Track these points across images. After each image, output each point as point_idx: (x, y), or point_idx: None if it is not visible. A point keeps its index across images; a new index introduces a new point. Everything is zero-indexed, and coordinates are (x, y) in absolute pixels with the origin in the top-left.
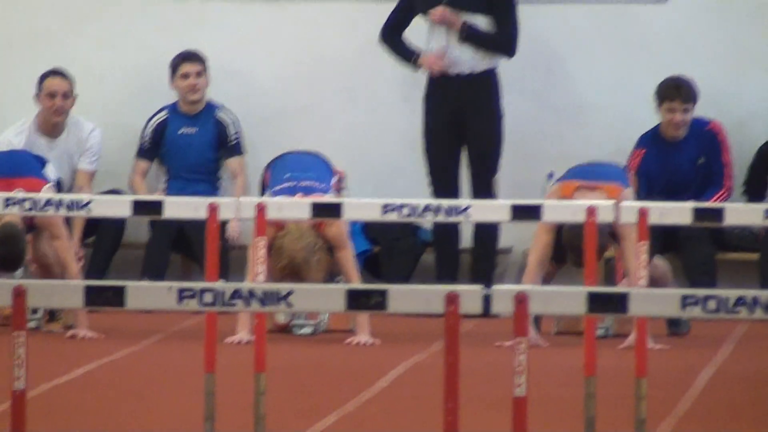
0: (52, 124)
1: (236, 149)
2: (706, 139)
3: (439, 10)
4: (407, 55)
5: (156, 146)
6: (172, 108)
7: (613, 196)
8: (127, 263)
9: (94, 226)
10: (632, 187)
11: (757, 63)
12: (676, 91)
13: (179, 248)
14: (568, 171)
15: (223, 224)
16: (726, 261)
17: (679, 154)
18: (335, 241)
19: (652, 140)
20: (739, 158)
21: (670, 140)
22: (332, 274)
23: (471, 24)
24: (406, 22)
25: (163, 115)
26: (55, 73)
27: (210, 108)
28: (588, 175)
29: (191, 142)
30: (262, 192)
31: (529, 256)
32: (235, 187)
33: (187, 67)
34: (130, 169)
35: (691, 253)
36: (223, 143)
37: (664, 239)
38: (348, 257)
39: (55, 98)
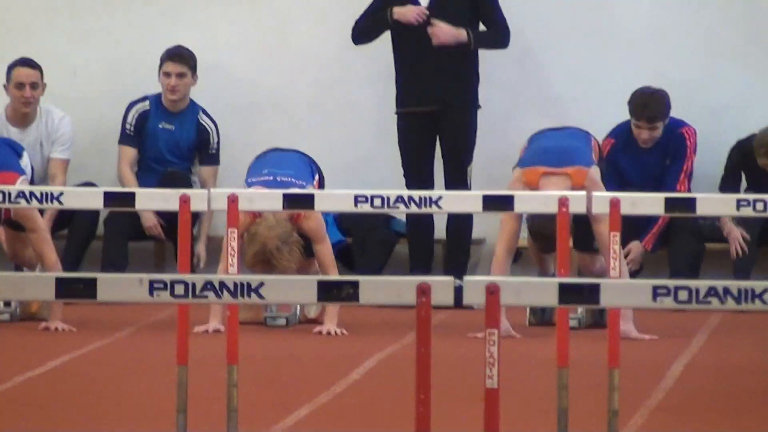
0: (21, 114)
1: (215, 159)
2: (675, 142)
3: (440, 34)
4: (380, 23)
5: (139, 135)
6: (156, 100)
7: (579, 180)
8: (100, 255)
9: (68, 219)
10: (597, 166)
11: (731, 56)
12: (641, 112)
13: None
14: (531, 152)
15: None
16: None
17: (648, 156)
18: (312, 234)
19: (623, 134)
20: (712, 150)
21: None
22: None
23: (473, 31)
24: None
25: (146, 105)
26: (23, 62)
27: (193, 109)
28: (551, 159)
29: (169, 139)
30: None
31: (497, 246)
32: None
33: (170, 67)
34: (117, 157)
35: (678, 245)
36: (203, 149)
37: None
38: (326, 251)
39: (24, 88)
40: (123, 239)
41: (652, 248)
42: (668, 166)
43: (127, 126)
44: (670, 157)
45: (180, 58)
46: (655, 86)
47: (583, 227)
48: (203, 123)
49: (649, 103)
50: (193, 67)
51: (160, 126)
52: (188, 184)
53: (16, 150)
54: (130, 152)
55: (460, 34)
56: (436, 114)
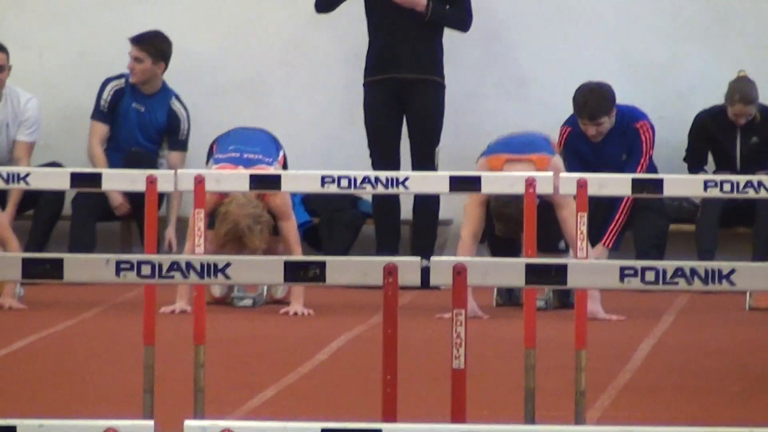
0: None
1: (183, 145)
2: (630, 136)
3: None
4: None
5: (112, 112)
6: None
7: (542, 166)
8: (66, 235)
9: (34, 199)
10: (559, 156)
11: (697, 36)
12: (582, 110)
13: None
14: (492, 144)
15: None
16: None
17: (603, 145)
18: (278, 211)
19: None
20: (679, 130)
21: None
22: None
23: (434, 3)
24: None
25: (121, 82)
26: None
27: (165, 93)
28: (515, 147)
29: (139, 120)
30: (207, 164)
31: (462, 231)
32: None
33: (131, 49)
34: (88, 132)
35: (643, 226)
36: (172, 134)
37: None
38: (291, 228)
39: None
40: (90, 220)
41: (614, 246)
42: (625, 162)
43: (102, 102)
44: (626, 150)
45: (138, 42)
46: (615, 68)
47: (545, 227)
48: (174, 109)
49: (588, 100)
50: (153, 53)
51: (133, 106)
52: (153, 165)
53: None
54: (102, 129)
55: (420, 1)
56: (402, 88)
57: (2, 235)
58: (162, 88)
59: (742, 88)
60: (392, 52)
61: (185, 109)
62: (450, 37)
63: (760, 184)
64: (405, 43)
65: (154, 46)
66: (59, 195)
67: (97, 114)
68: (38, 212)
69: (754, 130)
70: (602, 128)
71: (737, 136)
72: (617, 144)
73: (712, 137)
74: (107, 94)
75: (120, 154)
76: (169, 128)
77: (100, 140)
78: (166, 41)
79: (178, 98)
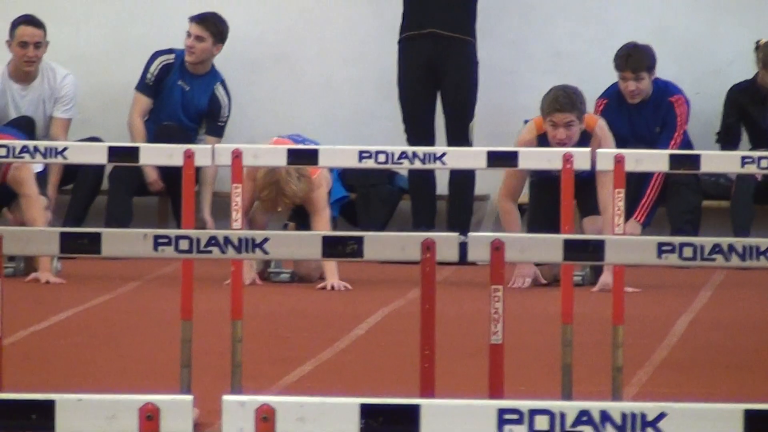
0: (24, 72)
1: (220, 131)
2: (664, 110)
3: None
4: None
5: (158, 86)
6: (181, 56)
7: (591, 123)
8: (104, 211)
9: (73, 174)
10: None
11: (733, 12)
12: (625, 62)
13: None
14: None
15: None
16: (702, 209)
17: (638, 117)
18: (314, 204)
19: (615, 93)
20: (716, 106)
21: (630, 105)
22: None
23: None
24: None
25: (171, 57)
26: (27, 21)
27: (213, 76)
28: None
29: (182, 99)
30: None
31: (499, 198)
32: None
33: (191, 27)
34: (132, 103)
35: (677, 201)
36: (211, 119)
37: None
38: (322, 224)
39: (27, 48)
40: (127, 194)
41: (645, 221)
42: (658, 135)
43: (148, 75)
44: (660, 123)
45: (202, 21)
46: (652, 44)
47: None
48: (218, 94)
49: (632, 53)
50: (215, 34)
51: (179, 83)
52: (187, 141)
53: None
54: (145, 101)
55: None
56: (436, 70)
57: (31, 215)
58: (211, 71)
59: None
60: (423, 11)
61: (228, 96)
62: (485, 11)
63: None
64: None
65: (216, 26)
66: (98, 170)
67: (142, 86)
68: (77, 187)
69: None
70: (642, 85)
71: None
72: (651, 117)
73: (745, 112)
74: (155, 68)
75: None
76: (210, 113)
77: (141, 113)
78: (225, 23)
79: (223, 84)
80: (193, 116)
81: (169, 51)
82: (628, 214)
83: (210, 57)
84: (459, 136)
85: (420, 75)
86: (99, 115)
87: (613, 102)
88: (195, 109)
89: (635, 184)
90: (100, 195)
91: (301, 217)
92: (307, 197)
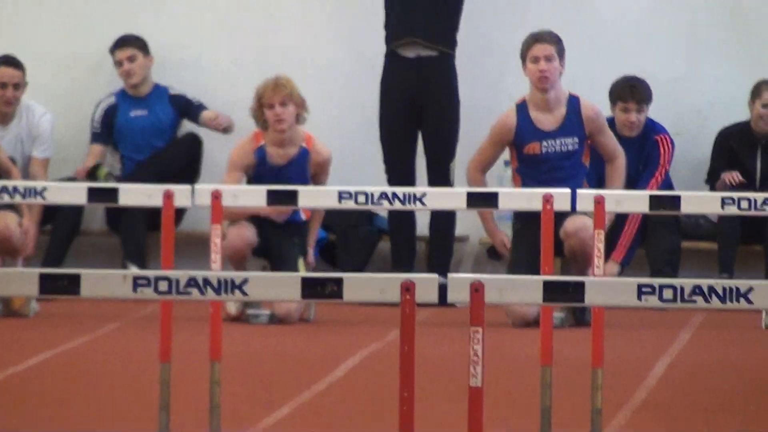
0: (2, 113)
1: (203, 105)
2: (648, 148)
3: None
4: None
5: (108, 130)
6: (121, 92)
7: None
8: (84, 250)
9: (52, 214)
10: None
11: (714, 52)
12: (630, 92)
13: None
14: None
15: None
16: (682, 250)
17: (627, 153)
18: (323, 168)
19: None
20: (697, 147)
21: (623, 136)
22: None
23: None
24: None
25: (111, 99)
26: (7, 62)
27: (159, 90)
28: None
29: (144, 124)
30: None
31: (472, 174)
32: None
33: (118, 54)
34: (85, 156)
35: (656, 242)
36: (188, 109)
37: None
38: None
39: (6, 88)
40: (142, 233)
41: (623, 260)
42: (641, 172)
43: (95, 125)
44: (642, 161)
45: (125, 42)
46: None
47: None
48: (174, 95)
49: (636, 84)
50: (141, 47)
51: (132, 115)
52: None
53: None
54: (97, 149)
55: None
56: (418, 109)
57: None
58: (155, 86)
59: None
60: (407, 18)
61: (183, 93)
62: (467, 51)
63: None
64: (419, 10)
65: (138, 40)
66: (76, 210)
67: (92, 137)
68: (56, 228)
69: None
70: (642, 117)
71: (758, 153)
72: (636, 153)
73: (733, 154)
74: (98, 115)
75: (133, 166)
76: (183, 108)
77: (96, 161)
78: (139, 37)
79: (171, 89)
80: (166, 131)
81: (108, 96)
82: (606, 253)
83: (148, 72)
84: (440, 176)
85: (401, 113)
86: (78, 154)
87: None
88: (167, 122)
89: (613, 222)
90: (79, 235)
91: (274, 258)
92: (318, 161)
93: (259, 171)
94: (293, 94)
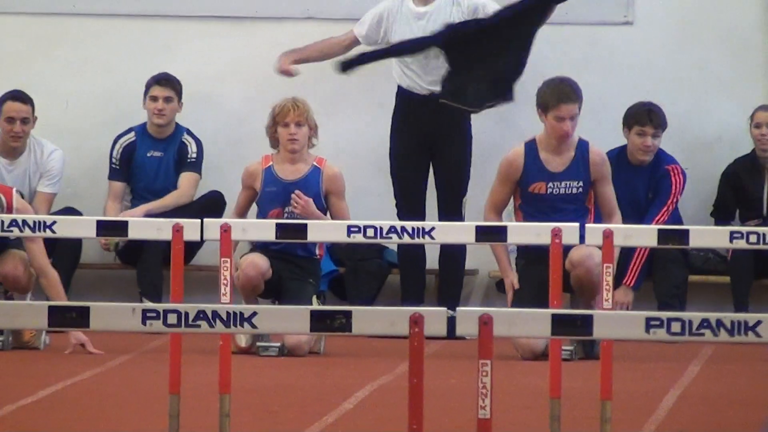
0: (11, 147)
1: (191, 166)
2: (659, 177)
3: None
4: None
5: (126, 167)
6: (141, 129)
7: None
8: (85, 283)
9: (52, 246)
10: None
11: (723, 86)
12: (647, 116)
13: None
14: None
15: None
16: (691, 283)
17: (638, 180)
18: (335, 189)
19: (615, 159)
20: (705, 182)
21: (635, 164)
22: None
23: None
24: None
25: (131, 137)
26: (15, 97)
27: (178, 132)
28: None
29: (158, 166)
30: None
31: (488, 215)
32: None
33: (157, 91)
34: (106, 192)
35: (663, 276)
36: (182, 161)
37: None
38: (344, 208)
39: (14, 123)
40: (159, 263)
41: (635, 285)
42: (651, 201)
43: (113, 160)
44: (652, 190)
45: (167, 82)
46: None
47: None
48: (184, 141)
49: (653, 109)
50: (179, 93)
51: (148, 155)
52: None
53: None
54: (117, 186)
55: None
56: (430, 145)
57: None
58: (176, 128)
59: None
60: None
61: (196, 139)
62: None
63: None
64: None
65: (179, 84)
66: (77, 242)
67: (111, 173)
68: (57, 260)
69: None
70: (657, 142)
71: (765, 182)
72: (647, 182)
73: (740, 185)
74: (117, 152)
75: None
76: (180, 157)
77: (115, 198)
78: (179, 81)
79: (189, 132)
80: (173, 177)
81: (128, 131)
82: (618, 278)
83: (174, 117)
84: (451, 211)
85: (413, 150)
86: (87, 189)
87: (613, 165)
88: (173, 168)
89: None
90: (80, 268)
91: (286, 296)
92: (331, 182)
93: (268, 186)
94: (308, 117)
